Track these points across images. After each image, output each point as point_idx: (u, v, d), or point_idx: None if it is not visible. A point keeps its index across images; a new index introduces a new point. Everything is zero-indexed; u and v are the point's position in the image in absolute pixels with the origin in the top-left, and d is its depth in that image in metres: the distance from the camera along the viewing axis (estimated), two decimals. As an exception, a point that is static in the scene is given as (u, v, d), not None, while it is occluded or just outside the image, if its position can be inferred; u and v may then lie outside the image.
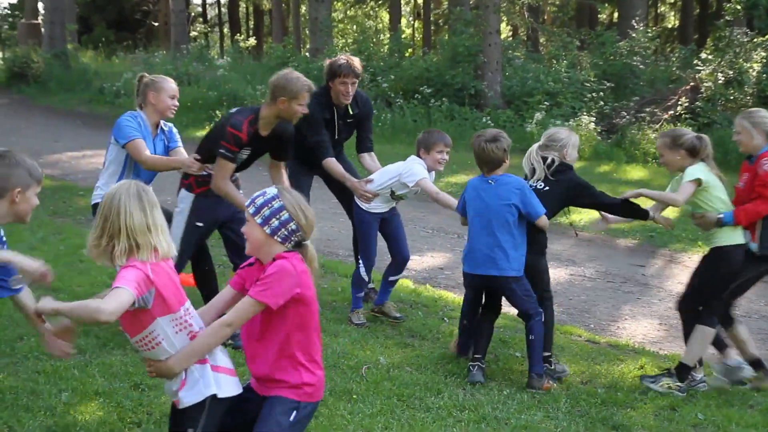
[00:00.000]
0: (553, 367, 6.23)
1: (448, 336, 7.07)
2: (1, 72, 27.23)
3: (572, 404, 5.85)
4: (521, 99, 20.02)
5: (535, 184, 6.28)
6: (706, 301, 6.17)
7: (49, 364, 5.96)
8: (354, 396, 5.74)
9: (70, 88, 24.07)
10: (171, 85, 6.69)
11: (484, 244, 6.13)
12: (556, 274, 9.69)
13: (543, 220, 6.11)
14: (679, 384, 6.09)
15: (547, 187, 6.26)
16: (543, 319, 6.17)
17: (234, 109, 6.49)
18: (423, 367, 6.35)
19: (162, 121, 6.74)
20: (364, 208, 7.35)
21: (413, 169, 7.07)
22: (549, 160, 6.31)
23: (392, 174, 7.22)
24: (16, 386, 5.60)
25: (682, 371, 6.15)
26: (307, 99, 6.24)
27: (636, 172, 16.38)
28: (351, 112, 7.64)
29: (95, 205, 6.42)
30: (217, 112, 19.83)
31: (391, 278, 7.56)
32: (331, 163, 7.48)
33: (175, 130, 6.92)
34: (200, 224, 6.52)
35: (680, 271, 9.96)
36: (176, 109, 6.69)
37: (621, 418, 5.67)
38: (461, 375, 6.25)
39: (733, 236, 6.08)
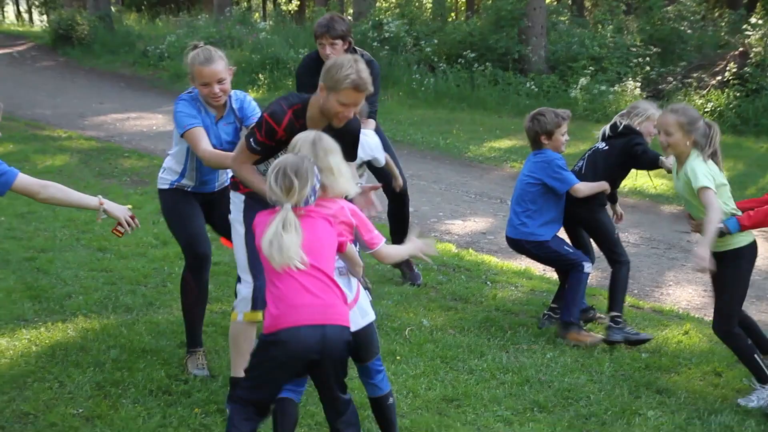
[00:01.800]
0: (620, 326, 6.22)
1: (491, 299, 7.07)
2: (47, 34, 27.44)
3: (616, 368, 5.84)
4: (566, 64, 19.80)
5: (597, 145, 6.62)
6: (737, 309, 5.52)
7: (98, 321, 6.07)
8: (398, 357, 5.77)
9: (114, 51, 24.20)
10: (205, 69, 5.12)
11: (512, 210, 6.58)
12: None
13: (576, 190, 6.32)
14: None
15: (606, 147, 6.53)
16: (582, 272, 6.35)
17: (284, 95, 4.98)
18: (466, 330, 6.37)
19: (234, 94, 5.36)
20: None
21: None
22: (614, 123, 6.52)
23: None
24: (66, 343, 5.71)
25: None
26: (352, 99, 4.53)
27: (681, 139, 16.17)
28: None
29: (160, 191, 5.49)
30: (260, 75, 19.86)
31: None
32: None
33: (250, 101, 5.44)
34: None
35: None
36: (220, 96, 5.19)
37: (665, 383, 5.66)
38: (504, 338, 6.25)
39: (746, 235, 5.44)
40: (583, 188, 6.31)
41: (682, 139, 5.40)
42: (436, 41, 21.07)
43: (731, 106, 17.41)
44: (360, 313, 4.26)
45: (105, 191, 10.11)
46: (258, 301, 4.83)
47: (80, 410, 4.81)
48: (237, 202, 4.98)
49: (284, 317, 3.82)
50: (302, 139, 4.13)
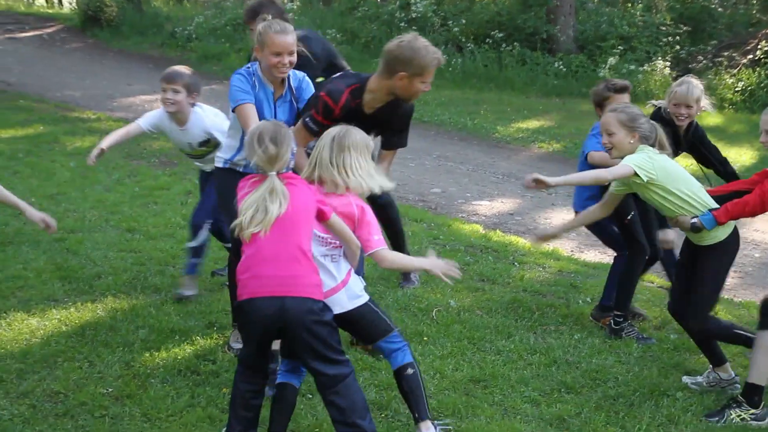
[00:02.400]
0: (619, 328, 6.09)
1: (519, 280, 7.06)
2: (76, 16, 27.53)
3: (644, 349, 5.82)
4: (594, 44, 19.63)
5: None
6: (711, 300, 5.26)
7: (126, 302, 6.11)
8: (425, 338, 5.78)
9: (142, 32, 24.25)
10: (280, 39, 5.00)
11: None
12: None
13: (590, 157, 6.07)
14: (754, 411, 4.97)
15: None
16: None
17: (339, 74, 5.37)
18: (493, 311, 6.36)
19: (293, 73, 5.23)
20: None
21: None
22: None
23: None
24: (95, 322, 5.76)
25: (752, 393, 5.00)
26: (432, 76, 5.03)
27: (712, 119, 16.02)
28: None
29: (217, 170, 5.40)
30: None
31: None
32: None
33: (308, 82, 5.33)
34: None
35: (757, 219, 9.77)
36: (288, 68, 5.07)
37: (693, 364, 5.63)
38: (532, 319, 6.24)
39: (726, 227, 5.11)
40: (596, 156, 6.02)
41: (625, 137, 5.10)
42: (464, 21, 20.95)
43: (762, 84, 17.21)
44: (348, 296, 4.27)
45: (134, 172, 10.18)
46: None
47: (110, 389, 4.85)
48: None
49: (247, 287, 4.00)
50: (326, 133, 4.33)
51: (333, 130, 4.31)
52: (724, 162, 6.40)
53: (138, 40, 23.71)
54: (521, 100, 17.38)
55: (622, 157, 5.09)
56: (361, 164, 4.24)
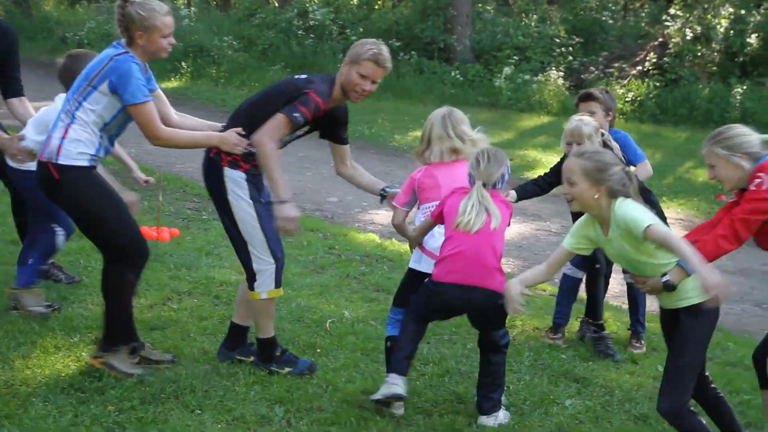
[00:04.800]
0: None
1: (413, 290, 7.06)
2: (-38, 20, 26.71)
3: (535, 357, 5.87)
4: (490, 53, 19.93)
5: None
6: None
7: (7, 320, 5.87)
8: (318, 350, 5.72)
9: (31, 37, 23.61)
10: (166, 19, 4.91)
11: None
12: (523, 228, 9.71)
13: None
14: None
15: None
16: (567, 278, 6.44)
17: (304, 75, 5.23)
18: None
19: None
20: (19, 168, 6.00)
21: None
22: None
23: (45, 126, 5.57)
24: (-25, 340, 5.53)
25: None
26: (371, 70, 5.07)
27: (603, 128, 16.39)
28: None
29: (74, 169, 4.91)
30: (183, 63, 19.56)
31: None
32: None
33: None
34: (262, 200, 5.15)
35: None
36: (169, 49, 5.00)
37: (583, 371, 5.71)
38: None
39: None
40: None
41: (588, 190, 4.23)
42: (362, 30, 21.01)
43: (651, 95, 17.72)
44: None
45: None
46: (278, 279, 5.16)
47: (-12, 410, 4.65)
48: (239, 179, 5.06)
49: (452, 274, 4.69)
50: (434, 114, 5.17)
51: (439, 112, 5.17)
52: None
53: (27, 45, 23.03)
54: (418, 109, 17.47)
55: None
56: (474, 135, 5.14)
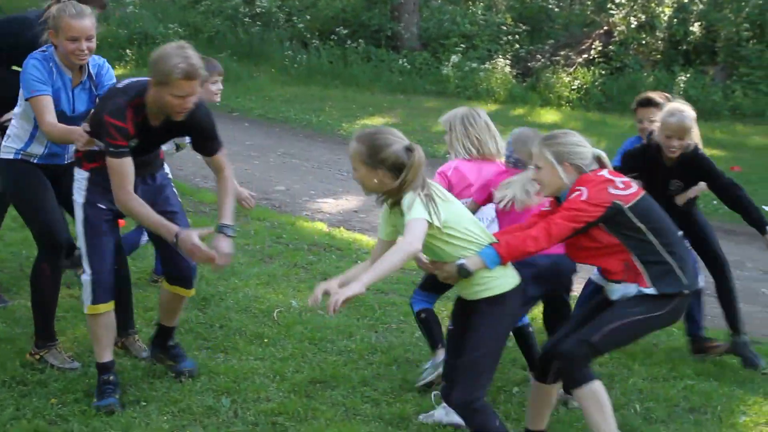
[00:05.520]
0: None
1: (361, 279, 7.04)
2: None
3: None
4: (438, 41, 19.94)
5: None
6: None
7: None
8: (265, 340, 5.69)
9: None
10: (76, 23, 4.73)
11: None
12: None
13: None
14: None
15: None
16: None
17: (122, 83, 4.65)
18: (335, 311, 6.30)
19: (92, 59, 4.99)
20: None
21: None
22: None
23: None
24: None
25: None
26: (187, 88, 4.35)
27: (550, 116, 16.52)
28: None
29: (3, 162, 5.05)
30: (128, 51, 19.30)
31: None
32: None
33: (108, 67, 5.14)
34: (102, 206, 4.74)
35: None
36: (86, 54, 4.83)
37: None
38: (373, 318, 6.24)
39: (510, 275, 4.17)
40: None
41: (368, 176, 3.99)
42: (309, 17, 20.89)
43: (597, 83, 17.87)
44: None
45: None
46: (98, 294, 4.67)
47: (-74, 405, 4.56)
48: (80, 179, 4.74)
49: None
50: (452, 115, 5.36)
51: (457, 112, 5.35)
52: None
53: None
54: (366, 97, 17.46)
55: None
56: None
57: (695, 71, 18.06)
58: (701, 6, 19.42)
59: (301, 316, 6.12)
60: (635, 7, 19.65)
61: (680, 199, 5.73)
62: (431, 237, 3.98)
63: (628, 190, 4.23)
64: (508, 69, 18.61)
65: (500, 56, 19.07)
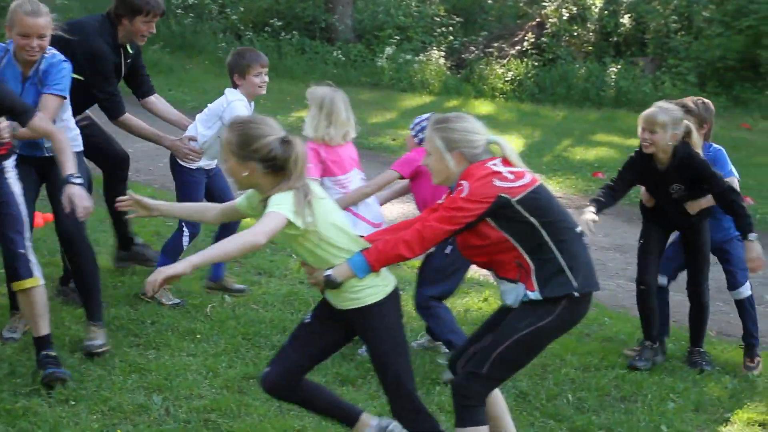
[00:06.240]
0: None
1: (295, 272, 7.00)
2: None
3: (413, 339, 5.89)
4: (372, 33, 19.92)
5: None
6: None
7: None
8: (198, 336, 5.63)
9: None
10: (29, 20, 4.82)
11: None
12: (405, 209, 9.73)
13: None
14: None
15: None
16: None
17: None
18: (269, 305, 6.28)
19: (53, 57, 5.05)
20: (187, 167, 6.09)
21: (235, 109, 5.87)
22: None
23: (214, 119, 6.02)
24: None
25: None
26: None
27: (484, 107, 16.60)
28: (130, 51, 6.20)
29: None
30: (57, 42, 18.96)
31: None
32: (132, 119, 6.20)
33: (61, 69, 5.06)
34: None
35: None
36: (36, 52, 4.90)
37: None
38: (307, 311, 6.19)
39: (382, 282, 3.94)
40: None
41: (237, 168, 3.79)
42: (242, 9, 20.72)
43: (530, 75, 18.01)
44: None
45: None
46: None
47: None
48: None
49: None
50: (320, 93, 5.65)
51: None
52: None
53: None
54: (301, 89, 17.13)
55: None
56: None
57: (626, 63, 18.30)
58: (631, -2, 19.69)
59: (234, 311, 6.07)
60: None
61: (692, 207, 5.59)
62: (297, 238, 3.78)
63: (518, 181, 3.89)
64: (442, 61, 18.67)
65: (434, 48, 19.13)
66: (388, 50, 18.75)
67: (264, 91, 6.13)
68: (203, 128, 6.04)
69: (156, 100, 6.48)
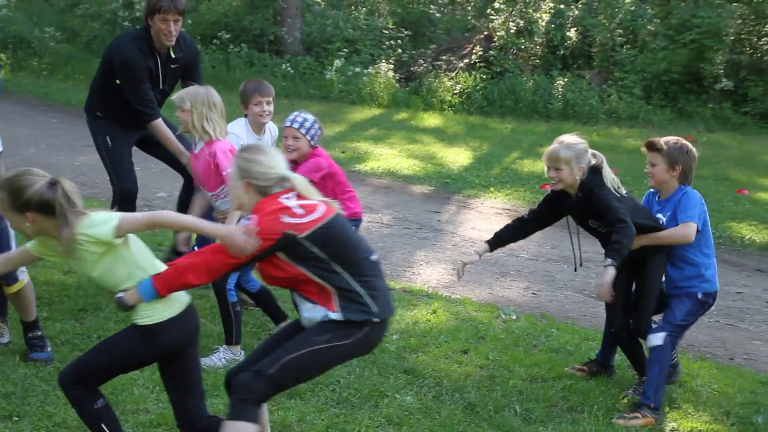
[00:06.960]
0: None
1: (244, 286, 6.98)
2: None
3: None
4: (321, 46, 19.94)
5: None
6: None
7: None
8: (145, 350, 5.57)
9: None
10: None
11: None
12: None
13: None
14: None
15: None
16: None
17: None
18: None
19: None
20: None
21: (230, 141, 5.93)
22: None
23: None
24: None
25: None
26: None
27: (432, 120, 16.68)
28: (173, 56, 6.65)
29: None
30: (2, 55, 18.72)
31: None
32: (161, 126, 6.53)
33: None
34: None
35: (474, 216, 10.27)
36: None
37: (413, 363, 5.78)
38: (256, 324, 6.19)
39: (169, 307, 4.02)
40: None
41: (16, 221, 3.94)
42: (190, 21, 20.60)
43: (478, 88, 18.14)
44: None
45: None
46: None
47: None
48: None
49: None
50: (193, 94, 5.77)
51: None
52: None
53: None
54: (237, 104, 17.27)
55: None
56: None
57: (573, 76, 18.51)
58: (576, 12, 19.92)
59: (182, 326, 6.01)
60: (514, 12, 20.03)
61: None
62: (100, 256, 3.86)
63: (307, 217, 3.90)
64: (391, 74, 18.75)
65: (383, 61, 19.20)
66: (337, 63, 18.78)
67: (265, 120, 6.26)
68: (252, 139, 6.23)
69: None
